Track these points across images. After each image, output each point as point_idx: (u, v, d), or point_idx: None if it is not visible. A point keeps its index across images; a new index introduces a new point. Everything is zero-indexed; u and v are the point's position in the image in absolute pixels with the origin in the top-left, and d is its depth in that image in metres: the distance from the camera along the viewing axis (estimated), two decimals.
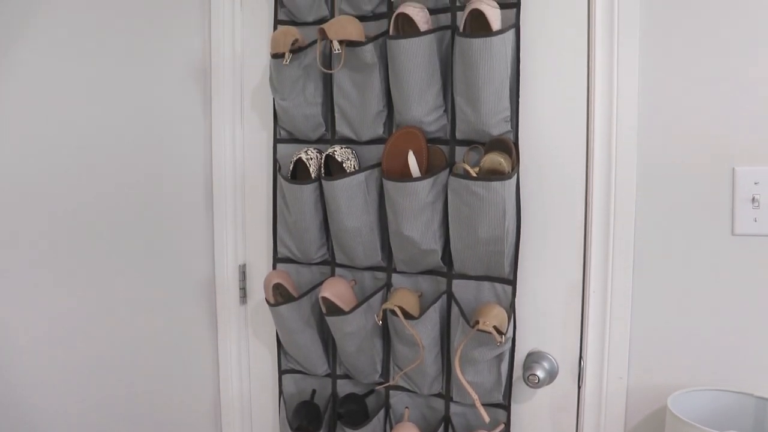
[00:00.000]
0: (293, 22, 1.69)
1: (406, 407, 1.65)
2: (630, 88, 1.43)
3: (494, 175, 1.41)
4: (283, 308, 1.63)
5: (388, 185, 1.48)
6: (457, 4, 1.51)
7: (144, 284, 2.00)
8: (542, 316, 1.54)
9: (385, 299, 1.62)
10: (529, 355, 1.55)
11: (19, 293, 2.18)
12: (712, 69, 1.38)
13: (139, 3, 1.93)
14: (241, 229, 1.86)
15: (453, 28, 1.51)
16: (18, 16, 2.09)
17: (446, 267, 1.56)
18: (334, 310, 1.60)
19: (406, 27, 1.51)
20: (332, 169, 1.63)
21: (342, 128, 1.61)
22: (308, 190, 1.60)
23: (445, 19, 1.53)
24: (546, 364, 1.52)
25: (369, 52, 1.50)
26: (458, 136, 1.49)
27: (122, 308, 2.04)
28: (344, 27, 1.49)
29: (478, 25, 1.44)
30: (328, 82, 1.65)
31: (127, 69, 1.96)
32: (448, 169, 1.49)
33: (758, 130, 1.36)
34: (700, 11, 1.38)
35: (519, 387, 1.57)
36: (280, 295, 1.70)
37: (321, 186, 1.61)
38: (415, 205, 1.46)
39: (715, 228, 1.41)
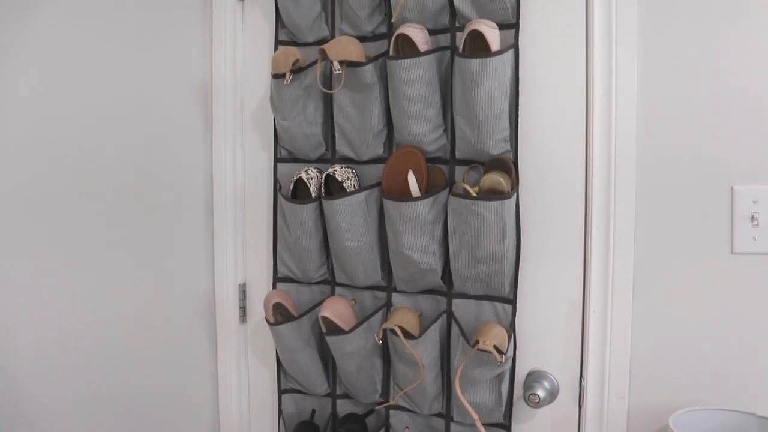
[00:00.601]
0: (294, 43, 1.71)
1: (407, 427, 1.64)
2: (628, 108, 1.43)
3: (494, 194, 1.41)
4: (282, 327, 1.63)
5: (388, 204, 1.48)
6: (457, 24, 1.52)
7: (144, 302, 2.00)
8: (542, 336, 1.54)
9: (385, 318, 1.61)
10: (530, 374, 1.55)
11: (22, 305, 2.17)
12: (710, 93, 1.39)
13: (139, 23, 1.95)
14: (241, 248, 1.86)
15: (452, 48, 1.52)
16: (13, 36, 2.10)
17: (446, 286, 1.56)
18: (334, 329, 1.59)
19: (406, 47, 1.52)
20: (332, 188, 1.63)
21: (342, 148, 1.62)
22: (308, 210, 1.60)
23: (444, 39, 1.54)
24: (546, 384, 1.52)
25: (369, 72, 1.51)
26: (458, 155, 1.50)
27: (122, 325, 2.04)
28: (344, 47, 1.50)
29: (478, 45, 1.45)
30: (328, 102, 1.65)
31: (127, 88, 1.97)
32: (447, 189, 1.50)
33: (757, 149, 1.37)
34: (699, 39, 1.39)
35: (519, 406, 1.57)
36: (280, 315, 1.70)
37: (321, 205, 1.61)
38: (415, 224, 1.46)
39: (715, 246, 1.41)
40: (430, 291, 1.59)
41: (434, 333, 1.51)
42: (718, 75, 1.39)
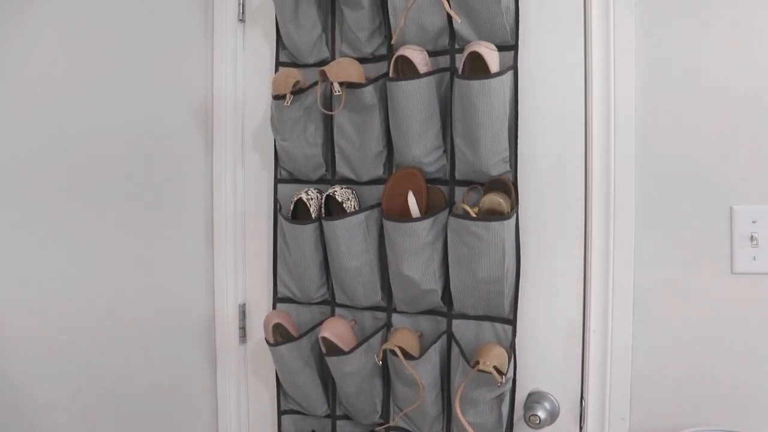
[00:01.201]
0: (294, 64, 1.72)
1: None
2: (627, 129, 1.44)
3: (494, 215, 1.41)
4: (282, 348, 1.63)
5: (388, 225, 1.48)
6: (456, 46, 1.53)
7: (143, 321, 2.00)
8: (543, 356, 1.53)
9: (385, 339, 1.61)
10: (530, 395, 1.54)
11: (22, 308, 2.17)
12: (708, 117, 1.40)
13: (140, 41, 1.96)
14: (241, 268, 1.86)
15: (452, 70, 1.53)
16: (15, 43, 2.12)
17: (446, 307, 1.56)
18: (334, 350, 1.59)
19: (406, 69, 1.53)
20: (332, 209, 1.63)
21: (342, 168, 1.62)
22: (308, 230, 1.60)
23: (444, 61, 1.55)
24: (547, 405, 1.51)
25: (369, 93, 1.52)
26: (457, 176, 1.50)
27: (121, 343, 2.04)
28: (345, 69, 1.51)
29: (477, 67, 1.46)
30: (328, 123, 1.66)
31: (128, 105, 1.98)
32: (447, 210, 1.50)
33: (757, 169, 1.37)
34: (698, 60, 1.41)
35: (520, 428, 1.56)
36: (279, 335, 1.69)
37: (321, 226, 1.61)
38: (415, 245, 1.46)
39: (715, 267, 1.41)
40: (430, 311, 1.59)
41: (434, 354, 1.51)
42: (715, 105, 1.40)
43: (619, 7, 1.45)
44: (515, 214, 1.44)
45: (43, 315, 2.13)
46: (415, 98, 1.46)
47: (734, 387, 1.40)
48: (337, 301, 1.66)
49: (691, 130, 1.41)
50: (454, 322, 1.55)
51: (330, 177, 1.69)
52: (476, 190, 1.53)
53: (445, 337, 1.56)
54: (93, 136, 2.03)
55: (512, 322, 1.49)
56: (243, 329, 1.87)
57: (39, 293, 2.13)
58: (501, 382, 1.39)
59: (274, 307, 1.76)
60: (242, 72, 1.84)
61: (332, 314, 1.70)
